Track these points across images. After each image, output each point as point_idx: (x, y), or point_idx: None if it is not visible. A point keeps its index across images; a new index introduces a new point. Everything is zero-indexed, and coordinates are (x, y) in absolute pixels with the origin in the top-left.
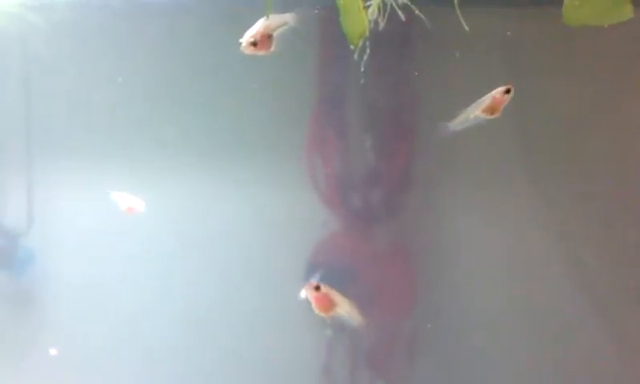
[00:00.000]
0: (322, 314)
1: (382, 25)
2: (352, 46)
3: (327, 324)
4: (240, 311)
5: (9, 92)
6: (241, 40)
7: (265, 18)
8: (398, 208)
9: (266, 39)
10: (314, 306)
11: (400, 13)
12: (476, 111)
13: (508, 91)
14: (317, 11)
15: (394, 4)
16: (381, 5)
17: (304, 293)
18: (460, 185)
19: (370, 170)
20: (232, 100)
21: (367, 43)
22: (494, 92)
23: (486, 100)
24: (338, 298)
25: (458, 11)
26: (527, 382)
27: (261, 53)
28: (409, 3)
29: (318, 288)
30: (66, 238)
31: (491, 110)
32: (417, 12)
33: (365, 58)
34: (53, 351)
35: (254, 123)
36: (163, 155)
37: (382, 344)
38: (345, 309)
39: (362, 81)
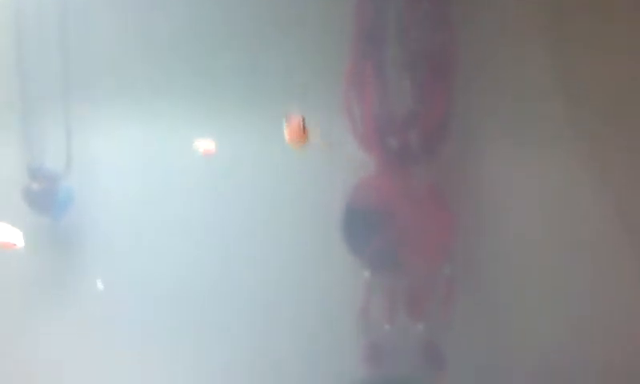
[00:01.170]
0: (295, 144)
1: None
2: None
3: (365, 266)
4: (278, 255)
5: (46, 35)
6: None
7: None
8: (436, 150)
9: None
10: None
11: None
12: None
13: None
14: None
15: None
16: None
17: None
18: (499, 130)
19: (409, 111)
20: (267, 38)
21: None
22: None
23: None
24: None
25: None
26: (565, 325)
27: None
28: None
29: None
30: (105, 179)
31: None
32: None
33: None
34: (100, 285)
35: (293, 62)
36: (201, 98)
37: (420, 286)
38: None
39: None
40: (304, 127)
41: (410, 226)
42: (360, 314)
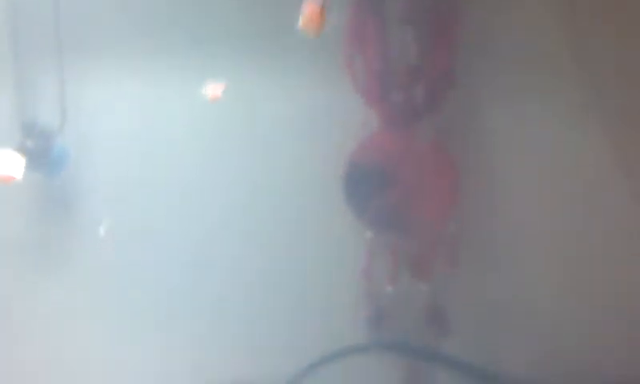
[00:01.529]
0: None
1: None
2: None
3: (367, 226)
4: (278, 213)
5: None
6: None
7: None
8: (440, 107)
9: None
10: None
11: None
12: None
13: None
14: None
15: None
16: None
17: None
18: (503, 85)
19: (412, 66)
20: None
21: None
22: None
23: None
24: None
25: None
26: (572, 285)
27: None
28: None
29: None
30: (102, 134)
31: None
32: None
33: None
34: (102, 230)
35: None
36: (198, 49)
37: (423, 246)
38: None
39: None
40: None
41: (414, 184)
42: (362, 276)
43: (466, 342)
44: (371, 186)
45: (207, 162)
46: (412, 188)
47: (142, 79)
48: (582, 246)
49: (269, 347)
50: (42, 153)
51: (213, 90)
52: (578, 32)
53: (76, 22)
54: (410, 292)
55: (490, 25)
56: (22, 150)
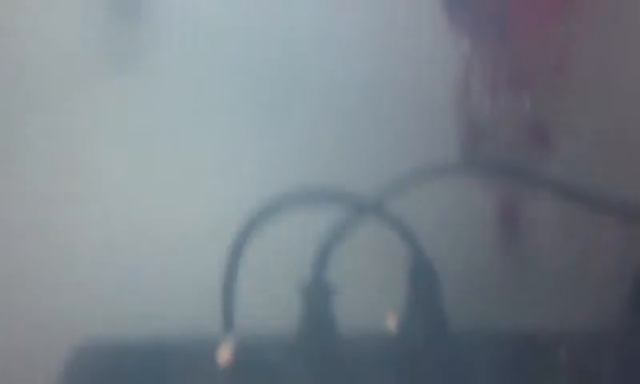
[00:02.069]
0: None
1: None
2: None
3: (465, 34)
4: (366, 24)
5: None
6: None
7: None
8: None
9: None
10: None
11: None
12: None
13: None
14: None
15: None
16: None
17: None
18: None
19: None
20: None
21: None
22: None
23: None
24: None
25: None
26: None
27: None
28: None
29: None
30: None
31: None
32: None
33: None
34: None
35: None
36: None
37: (527, 56)
38: None
39: None
40: None
41: None
42: (458, 91)
43: (568, 162)
44: None
45: None
46: None
47: None
48: None
49: (359, 156)
50: None
51: None
52: None
53: None
54: (509, 108)
55: None
56: None
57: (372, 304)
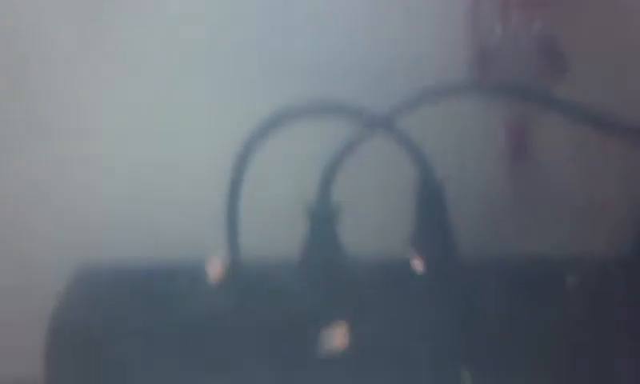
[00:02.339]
0: None
1: None
2: None
3: None
4: None
5: None
6: None
7: None
8: None
9: None
10: None
11: None
12: None
13: None
14: None
15: None
16: None
17: None
18: None
19: None
20: None
21: None
22: None
23: None
24: None
25: None
26: None
27: None
28: None
29: None
30: None
31: None
32: None
33: None
34: None
35: None
36: None
37: None
38: None
39: None
40: None
41: None
42: (470, 11)
43: (581, 84)
44: None
45: None
46: None
47: None
48: None
49: (372, 69)
50: None
51: None
52: None
53: None
54: (520, 29)
55: None
56: None
57: (379, 225)
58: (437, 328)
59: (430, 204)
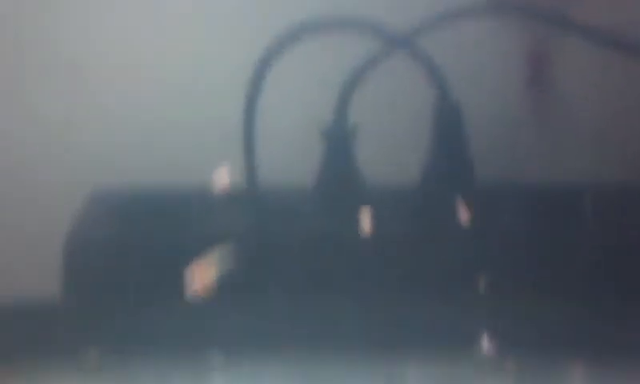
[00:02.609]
0: None
1: None
2: None
3: None
4: None
5: None
6: None
7: None
8: None
9: None
10: None
11: None
12: None
13: None
14: None
15: None
16: None
17: None
18: None
19: None
20: None
21: None
22: None
23: None
24: None
25: None
26: None
27: None
28: None
29: None
30: None
31: None
32: None
33: None
34: None
35: None
36: None
37: None
38: None
39: None
40: None
41: None
42: None
43: (602, 5)
44: None
45: None
46: None
47: None
48: None
49: None
50: None
51: None
52: None
53: None
54: None
55: None
56: None
57: (395, 146)
58: (452, 249)
59: (447, 126)
